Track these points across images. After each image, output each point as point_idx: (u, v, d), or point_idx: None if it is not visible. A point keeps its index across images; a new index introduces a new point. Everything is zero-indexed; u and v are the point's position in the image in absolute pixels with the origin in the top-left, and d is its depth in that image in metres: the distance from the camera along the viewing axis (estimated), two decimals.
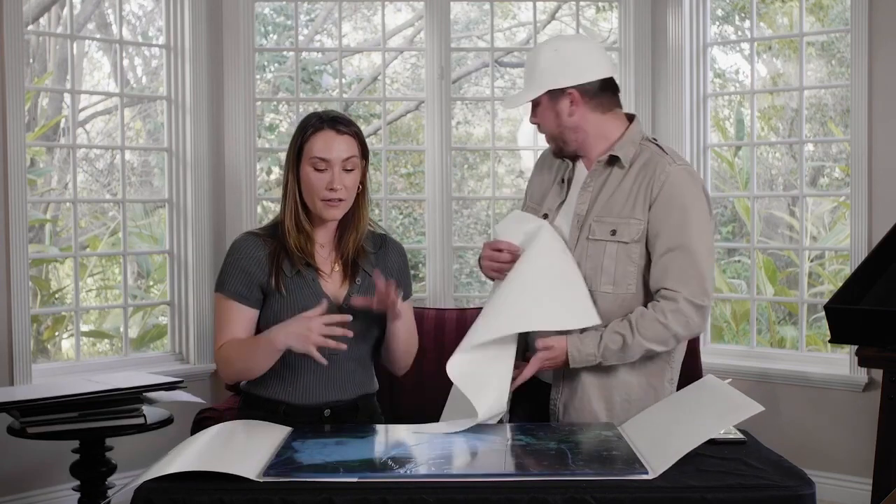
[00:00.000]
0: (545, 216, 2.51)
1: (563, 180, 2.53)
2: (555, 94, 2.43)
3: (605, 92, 2.45)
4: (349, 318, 2.18)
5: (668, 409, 2.21)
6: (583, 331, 2.36)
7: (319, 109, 2.40)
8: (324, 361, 2.16)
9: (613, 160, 2.43)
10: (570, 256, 2.42)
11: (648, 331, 2.32)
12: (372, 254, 2.38)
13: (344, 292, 2.33)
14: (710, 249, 2.39)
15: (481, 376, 2.31)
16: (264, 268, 2.30)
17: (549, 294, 2.35)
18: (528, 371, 2.35)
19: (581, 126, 2.44)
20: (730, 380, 2.23)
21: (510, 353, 2.37)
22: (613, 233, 2.38)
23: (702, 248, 2.35)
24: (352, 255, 2.34)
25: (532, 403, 2.51)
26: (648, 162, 2.41)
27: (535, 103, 2.46)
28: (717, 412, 2.04)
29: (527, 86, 2.47)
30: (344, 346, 2.17)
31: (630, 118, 2.51)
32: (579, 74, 2.41)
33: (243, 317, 2.31)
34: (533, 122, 2.50)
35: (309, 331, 2.14)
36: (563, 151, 2.50)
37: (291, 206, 2.29)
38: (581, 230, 2.42)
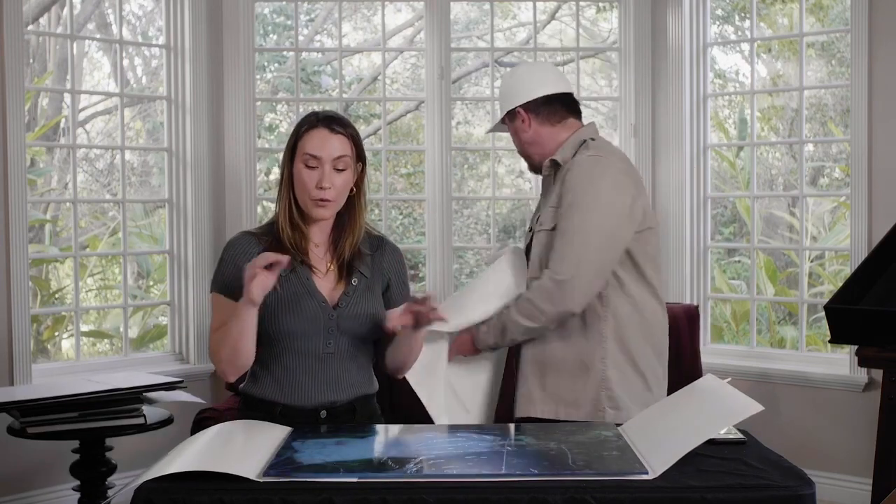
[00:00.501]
0: (530, 229, 2.75)
1: (542, 194, 2.76)
2: (511, 116, 2.73)
3: (551, 105, 2.69)
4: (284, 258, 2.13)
5: (667, 408, 2.21)
6: None
7: (319, 109, 2.40)
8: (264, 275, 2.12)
9: (553, 165, 2.67)
10: (508, 282, 2.66)
11: (519, 307, 2.54)
12: (368, 255, 2.36)
13: (339, 293, 2.31)
14: (597, 230, 2.50)
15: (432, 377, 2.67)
16: None
17: (473, 308, 2.65)
18: (450, 355, 2.69)
19: (536, 140, 2.70)
20: (729, 379, 2.23)
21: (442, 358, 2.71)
22: (541, 224, 2.63)
23: (581, 227, 2.49)
24: (347, 258, 2.33)
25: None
26: (575, 158, 2.63)
27: (505, 129, 2.78)
28: (716, 412, 2.04)
29: (498, 111, 2.79)
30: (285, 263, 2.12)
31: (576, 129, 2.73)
32: (524, 94, 2.69)
33: None
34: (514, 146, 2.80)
35: (249, 277, 2.11)
36: (534, 167, 2.76)
37: (285, 203, 2.30)
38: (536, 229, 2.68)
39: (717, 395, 2.13)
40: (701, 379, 2.31)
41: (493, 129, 2.90)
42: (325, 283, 2.31)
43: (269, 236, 2.32)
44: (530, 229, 2.77)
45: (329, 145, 2.26)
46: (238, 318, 2.18)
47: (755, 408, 1.95)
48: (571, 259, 2.48)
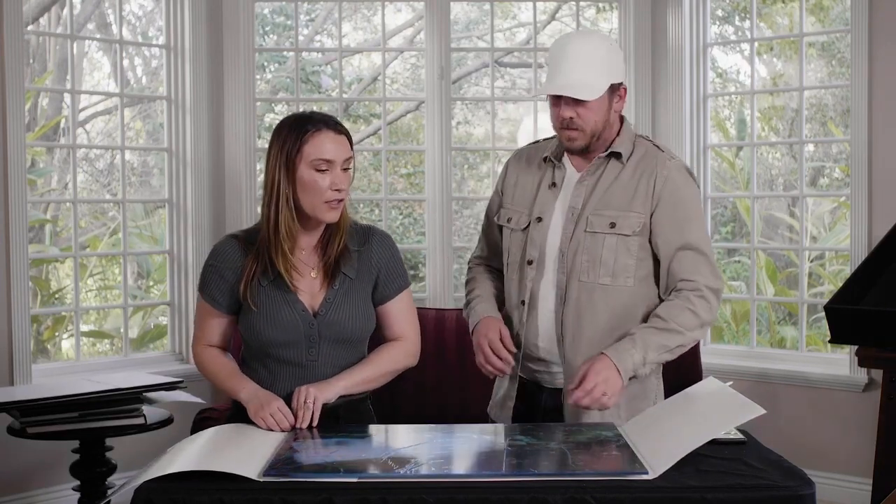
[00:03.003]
0: (539, 219, 2.50)
1: (553, 184, 2.52)
2: (613, 87, 2.43)
3: None
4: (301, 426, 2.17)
5: (668, 409, 2.21)
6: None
7: (304, 111, 2.35)
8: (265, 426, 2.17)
9: (610, 156, 2.47)
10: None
11: (683, 319, 2.36)
12: (355, 251, 2.32)
13: (320, 299, 2.28)
14: (710, 239, 2.51)
15: None
16: (240, 276, 2.27)
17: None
18: (584, 401, 2.27)
19: (614, 121, 2.47)
20: (731, 382, 2.22)
21: None
22: (612, 225, 2.41)
23: (706, 240, 2.46)
24: (335, 255, 2.29)
25: (527, 405, 2.53)
26: (645, 157, 2.46)
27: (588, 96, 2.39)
28: (718, 414, 2.04)
29: (593, 75, 2.39)
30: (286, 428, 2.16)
31: (620, 117, 2.54)
32: (623, 69, 2.46)
33: (218, 323, 2.35)
34: (568, 115, 2.40)
35: (266, 410, 2.16)
36: (578, 147, 2.45)
37: (286, 212, 2.22)
38: (577, 224, 2.44)
39: (719, 397, 2.13)
40: (702, 381, 2.30)
41: (599, 93, 2.40)
42: (309, 289, 2.28)
43: (252, 245, 2.28)
44: (538, 219, 2.50)
45: (341, 147, 2.24)
46: (228, 390, 2.29)
47: (757, 411, 1.94)
48: (713, 270, 2.43)
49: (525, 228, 2.52)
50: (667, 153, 2.48)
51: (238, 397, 2.25)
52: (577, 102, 2.39)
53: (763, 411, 1.94)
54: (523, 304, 2.48)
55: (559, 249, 2.45)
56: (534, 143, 2.70)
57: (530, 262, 2.48)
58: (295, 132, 2.23)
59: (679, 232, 2.41)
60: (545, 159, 2.55)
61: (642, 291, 2.44)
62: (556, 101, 2.43)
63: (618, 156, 2.46)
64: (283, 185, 2.21)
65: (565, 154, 2.53)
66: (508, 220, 2.57)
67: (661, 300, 2.45)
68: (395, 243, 2.40)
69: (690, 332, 2.37)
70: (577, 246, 2.42)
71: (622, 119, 2.52)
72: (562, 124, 2.43)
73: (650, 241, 2.42)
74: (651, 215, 2.41)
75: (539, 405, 2.51)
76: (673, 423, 2.09)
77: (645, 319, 2.43)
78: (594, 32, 2.56)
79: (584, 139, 2.43)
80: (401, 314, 2.38)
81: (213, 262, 2.32)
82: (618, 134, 2.48)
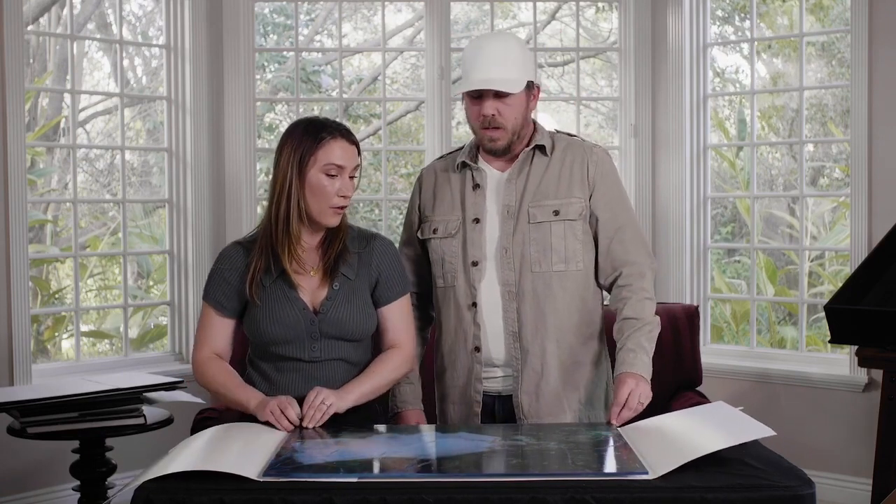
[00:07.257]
0: (476, 221, 2.52)
1: (476, 185, 2.54)
2: (529, 86, 2.49)
3: None
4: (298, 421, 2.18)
5: (673, 420, 2.19)
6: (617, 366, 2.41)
7: (316, 113, 2.40)
8: (286, 427, 2.17)
9: (534, 151, 2.53)
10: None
11: (649, 311, 2.45)
12: (355, 253, 2.38)
13: (321, 296, 2.33)
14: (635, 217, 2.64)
15: None
16: (245, 278, 2.34)
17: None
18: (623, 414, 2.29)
19: (529, 121, 2.54)
20: (742, 407, 2.21)
21: None
22: (556, 213, 2.48)
23: (634, 217, 2.57)
24: (335, 255, 2.35)
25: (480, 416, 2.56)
26: (569, 147, 2.55)
27: (505, 93, 2.43)
28: (726, 429, 2.02)
29: (512, 71, 2.44)
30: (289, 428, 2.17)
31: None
32: (536, 70, 2.55)
33: (222, 326, 2.40)
34: (490, 112, 2.43)
35: (270, 405, 2.18)
36: (500, 147, 2.49)
37: (295, 212, 2.30)
38: (518, 219, 2.48)
39: (729, 416, 2.12)
40: (712, 404, 2.31)
41: (520, 87, 2.45)
42: (309, 288, 2.34)
43: (256, 245, 2.36)
44: (475, 220, 2.52)
45: (352, 155, 2.33)
46: (236, 403, 2.29)
47: (766, 432, 1.92)
48: (647, 248, 2.55)
49: (456, 233, 2.53)
50: (587, 142, 2.59)
51: (249, 409, 2.25)
52: (498, 98, 2.43)
53: (773, 433, 1.92)
54: (474, 307, 2.49)
55: (500, 248, 2.48)
56: (440, 157, 2.72)
57: (475, 264, 2.50)
58: (311, 136, 2.31)
59: (616, 212, 2.51)
60: (460, 165, 2.57)
61: (591, 277, 2.53)
62: (476, 100, 2.45)
63: (542, 149, 2.52)
64: (294, 184, 2.30)
65: (480, 157, 2.56)
66: (434, 231, 2.57)
67: (601, 285, 2.54)
68: (398, 250, 2.48)
69: (654, 315, 2.46)
70: (524, 239, 2.47)
71: (533, 121, 2.58)
72: (483, 124, 2.45)
73: (590, 224, 2.51)
74: (589, 198, 2.50)
75: (492, 414, 2.54)
76: (676, 432, 2.08)
77: (595, 303, 2.54)
78: (507, 33, 2.71)
79: (505, 138, 2.47)
80: (398, 320, 2.43)
81: (219, 267, 2.41)
82: (535, 131, 2.55)
